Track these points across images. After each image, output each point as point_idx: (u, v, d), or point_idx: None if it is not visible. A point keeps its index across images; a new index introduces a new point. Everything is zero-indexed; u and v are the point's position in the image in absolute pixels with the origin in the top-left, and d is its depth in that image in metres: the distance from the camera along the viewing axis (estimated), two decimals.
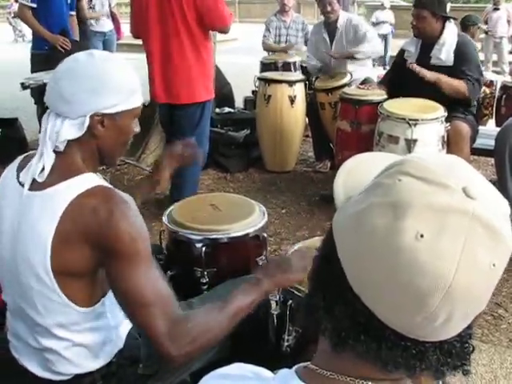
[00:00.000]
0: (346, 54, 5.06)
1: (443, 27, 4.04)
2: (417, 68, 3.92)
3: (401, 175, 0.73)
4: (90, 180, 1.47)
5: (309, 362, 0.83)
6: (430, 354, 0.74)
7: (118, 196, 1.44)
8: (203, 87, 3.83)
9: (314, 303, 0.79)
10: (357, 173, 0.87)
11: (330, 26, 5.29)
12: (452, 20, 4.13)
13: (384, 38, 13.16)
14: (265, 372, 0.88)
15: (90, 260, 1.44)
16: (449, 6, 4.25)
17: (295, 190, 4.65)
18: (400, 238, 0.69)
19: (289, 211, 4.27)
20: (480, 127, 4.44)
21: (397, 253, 0.69)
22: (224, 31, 3.85)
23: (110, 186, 1.51)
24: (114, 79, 1.51)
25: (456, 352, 0.75)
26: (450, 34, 4.03)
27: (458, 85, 3.89)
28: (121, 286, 1.43)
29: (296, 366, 0.83)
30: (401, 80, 4.15)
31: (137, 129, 1.64)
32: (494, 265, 0.70)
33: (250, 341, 1.86)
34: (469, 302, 0.70)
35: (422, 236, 0.68)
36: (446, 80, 3.88)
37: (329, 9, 5.16)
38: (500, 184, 3.91)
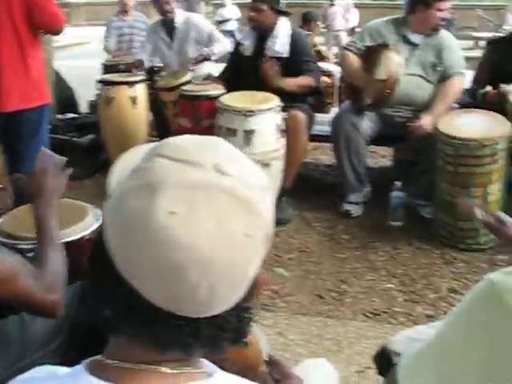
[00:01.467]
0: (201, 57, 5.12)
1: (277, 21, 4.20)
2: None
3: (156, 157, 0.76)
4: None
5: (99, 356, 0.83)
6: (203, 330, 0.76)
7: None
8: (37, 92, 3.68)
9: (88, 291, 0.79)
10: (133, 161, 0.88)
11: (167, 26, 5.30)
12: (286, 15, 4.30)
13: (231, 34, 13.35)
14: (60, 370, 0.87)
15: None
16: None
17: None
18: (153, 216, 0.71)
19: None
20: (318, 115, 4.64)
21: (151, 231, 0.71)
22: (56, 32, 3.72)
23: None
24: None
25: (232, 326, 0.78)
26: (283, 28, 4.20)
27: (303, 80, 4.10)
28: None
29: (85, 361, 0.83)
30: (238, 73, 4.26)
31: None
32: (248, 236, 0.73)
33: (88, 342, 1.83)
34: (228, 272, 0.73)
35: (174, 213, 0.70)
36: (294, 82, 4.07)
37: (167, 8, 5.19)
38: (339, 167, 4.12)
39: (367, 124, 3.96)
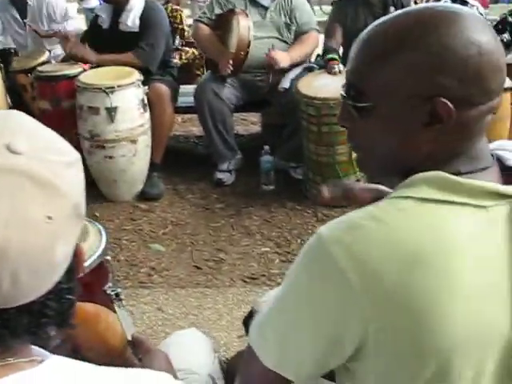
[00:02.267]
0: (52, 33, 4.87)
1: None
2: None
3: None
4: None
5: None
6: (17, 319, 0.72)
7: None
8: None
9: None
10: None
11: (18, 3, 5.02)
12: None
13: (92, 11, 12.84)
14: None
15: None
16: None
17: None
18: None
19: None
20: (185, 86, 4.59)
21: None
22: None
23: None
24: None
25: (53, 310, 0.75)
26: (138, 1, 4.08)
27: (123, 58, 3.95)
28: None
29: None
30: (97, 47, 4.11)
31: None
32: (49, 218, 0.69)
33: None
34: (31, 259, 0.69)
35: None
36: (110, 59, 3.96)
37: None
38: (207, 137, 4.10)
39: (230, 92, 3.97)
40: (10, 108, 4.79)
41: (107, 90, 3.55)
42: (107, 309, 1.38)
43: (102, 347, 1.34)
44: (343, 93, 1.00)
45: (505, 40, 3.98)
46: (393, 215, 0.89)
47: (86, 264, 1.72)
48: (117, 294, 1.90)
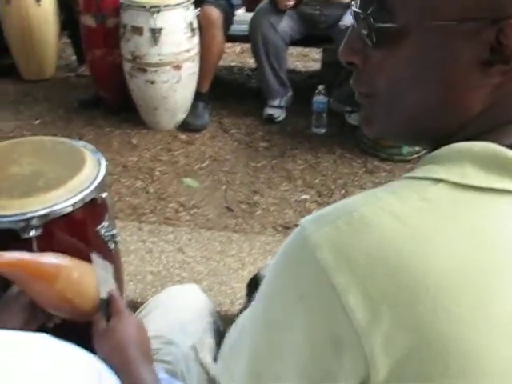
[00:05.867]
0: None
1: None
2: None
3: None
4: None
5: None
6: None
7: None
8: None
9: None
10: None
11: None
12: None
13: None
14: None
15: None
16: None
17: (53, 98, 4.20)
18: None
19: (44, 121, 3.88)
20: (243, 13, 4.29)
21: None
22: None
23: None
24: None
25: None
26: None
27: None
28: None
29: None
30: None
31: None
32: None
33: None
34: None
35: None
36: None
37: None
38: (259, 69, 3.82)
39: (287, 24, 3.63)
40: (62, 21, 4.58)
41: (152, 10, 3.29)
42: (76, 263, 1.16)
43: (65, 306, 1.14)
44: (356, 9, 0.68)
45: None
46: (416, 210, 0.59)
47: (77, 199, 1.50)
48: (112, 236, 1.70)
